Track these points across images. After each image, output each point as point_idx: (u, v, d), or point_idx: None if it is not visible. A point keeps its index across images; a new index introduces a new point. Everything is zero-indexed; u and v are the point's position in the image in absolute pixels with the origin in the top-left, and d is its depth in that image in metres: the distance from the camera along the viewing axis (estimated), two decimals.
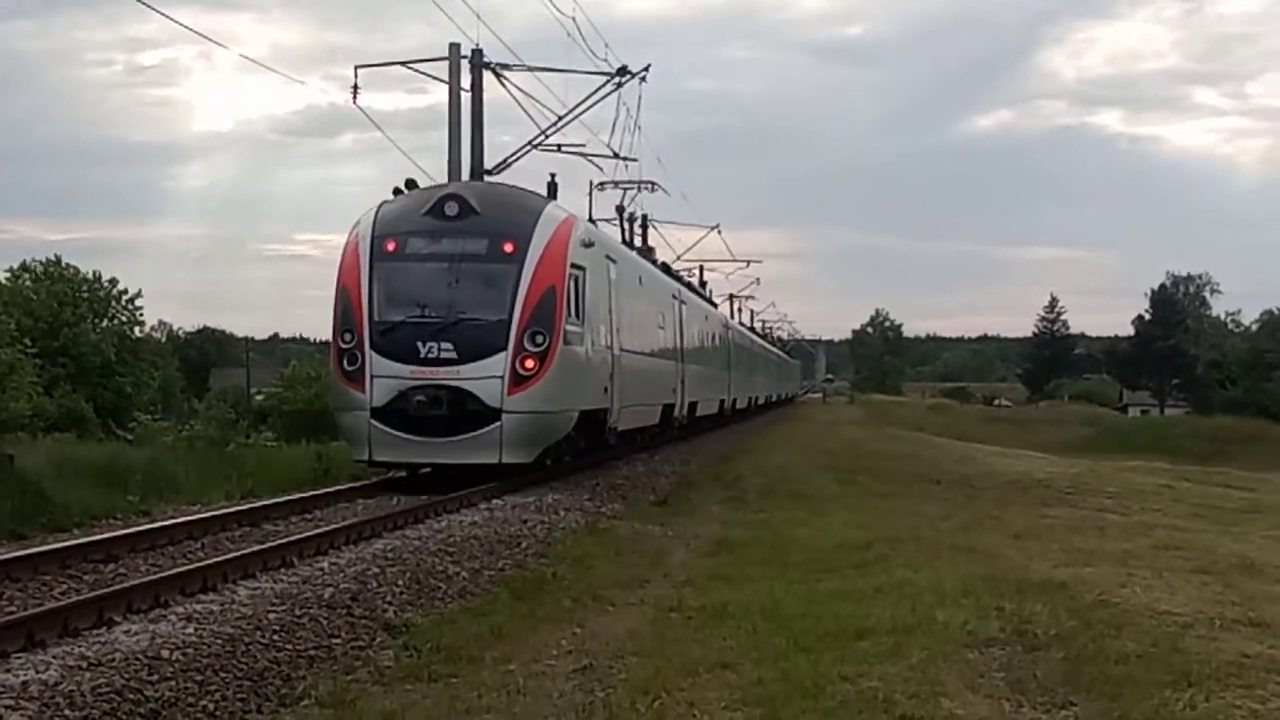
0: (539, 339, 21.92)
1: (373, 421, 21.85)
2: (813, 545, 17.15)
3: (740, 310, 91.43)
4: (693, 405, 40.67)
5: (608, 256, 26.56)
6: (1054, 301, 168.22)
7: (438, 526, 17.69)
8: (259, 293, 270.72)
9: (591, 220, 35.42)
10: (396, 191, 24.08)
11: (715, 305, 61.82)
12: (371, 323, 22.05)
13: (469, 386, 21.65)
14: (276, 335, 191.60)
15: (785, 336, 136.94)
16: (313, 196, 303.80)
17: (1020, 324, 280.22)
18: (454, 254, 22.35)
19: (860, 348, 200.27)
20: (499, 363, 21.69)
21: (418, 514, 18.50)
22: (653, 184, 43.99)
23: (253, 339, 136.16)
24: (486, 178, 31.71)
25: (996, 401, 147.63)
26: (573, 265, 22.97)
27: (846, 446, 45.14)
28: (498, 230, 22.51)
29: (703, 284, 62.04)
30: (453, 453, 21.89)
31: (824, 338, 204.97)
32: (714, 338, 49.29)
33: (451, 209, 22.68)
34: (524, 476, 22.90)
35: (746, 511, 22.39)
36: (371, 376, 21.86)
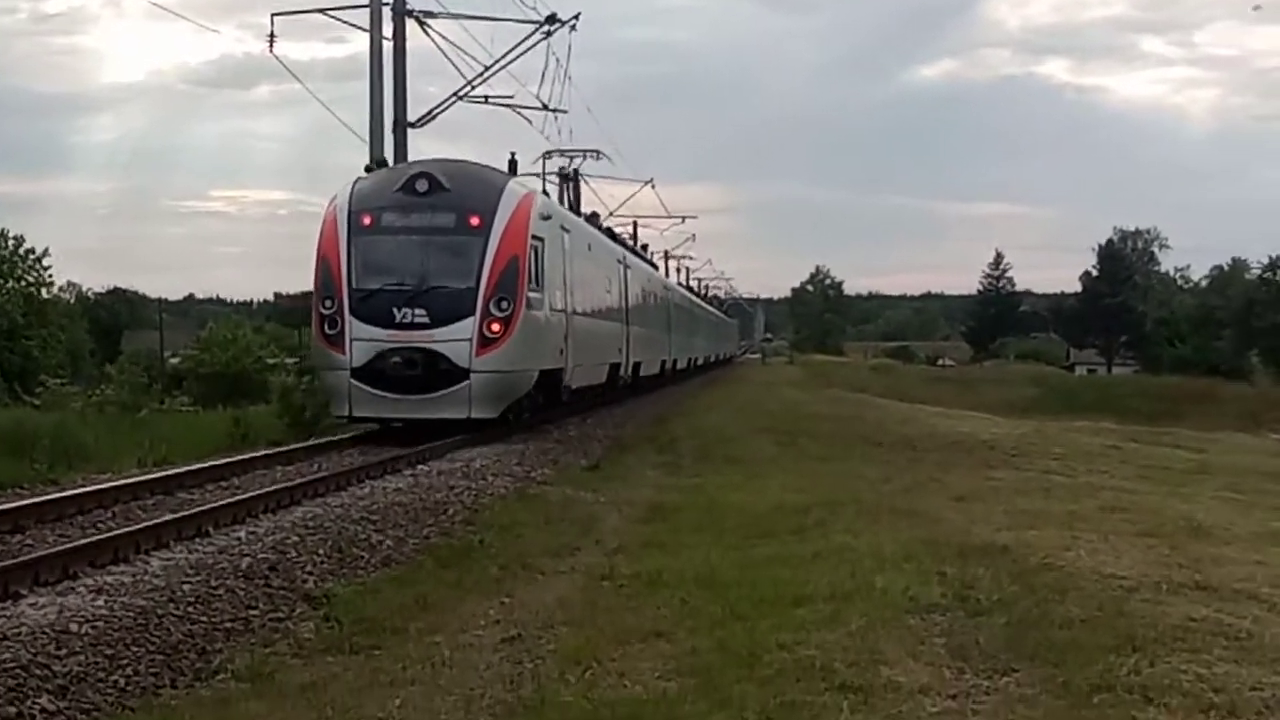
0: (504, 305, 24.54)
1: (353, 381, 24.44)
2: (749, 510, 17.13)
3: (677, 269, 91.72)
4: (637, 365, 42.68)
5: (562, 227, 29.34)
6: (999, 258, 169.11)
7: (361, 493, 17.64)
8: (172, 251, 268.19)
9: (545, 192, 35.62)
10: (368, 169, 28.07)
11: (656, 267, 63.83)
12: (351, 290, 24.59)
13: (440, 348, 24.27)
14: (191, 296, 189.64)
15: (723, 295, 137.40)
16: (228, 150, 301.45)
17: (965, 281, 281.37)
18: (425, 227, 25.00)
19: (800, 306, 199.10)
20: (468, 326, 24.30)
21: (340, 480, 18.46)
22: (598, 152, 45.63)
23: (166, 300, 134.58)
24: (410, 130, 31.81)
25: (940, 361, 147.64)
26: (533, 237, 25.58)
27: (785, 408, 45.26)
28: (465, 205, 25.07)
29: (644, 248, 63.01)
30: (425, 409, 24.45)
31: (762, 296, 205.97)
32: (655, 300, 51.23)
33: (422, 186, 25.24)
34: (451, 440, 23.73)
35: (681, 476, 22.47)
36: (351, 339, 24.47)
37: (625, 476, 22.21)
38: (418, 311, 24.27)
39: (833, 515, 16.21)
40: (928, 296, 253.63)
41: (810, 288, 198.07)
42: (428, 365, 24.16)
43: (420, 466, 20.97)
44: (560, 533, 15.72)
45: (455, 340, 24.21)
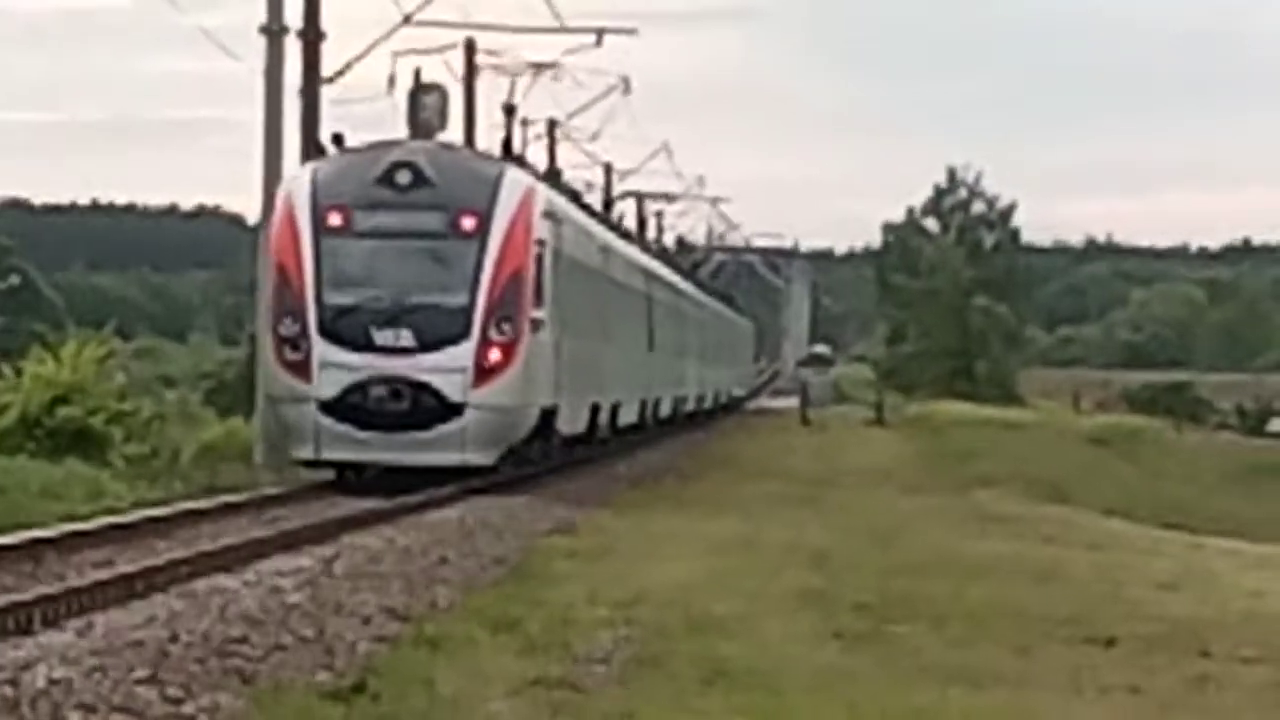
0: (505, 327, 23.08)
1: (320, 416, 22.82)
2: None
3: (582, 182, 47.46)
4: (615, 408, 32.69)
5: (554, 218, 26.47)
6: None
7: None
8: None
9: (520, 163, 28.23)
10: (320, 150, 25.66)
11: (632, 239, 45.33)
12: (319, 306, 23.05)
13: (430, 379, 22.78)
14: None
15: (711, 240, 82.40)
16: None
17: None
18: (409, 230, 23.55)
19: (906, 274, 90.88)
20: (463, 352, 22.84)
21: None
22: None
23: None
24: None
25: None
26: (537, 241, 23.94)
27: (862, 537, 20.82)
28: (456, 203, 23.47)
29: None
30: (411, 451, 22.92)
31: (807, 247, 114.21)
32: (635, 295, 37.91)
33: (404, 177, 23.42)
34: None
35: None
36: (320, 365, 22.86)
37: None
38: (401, 333, 22.97)
39: None
40: (1242, 250, 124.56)
41: (937, 222, 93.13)
42: (414, 398, 22.76)
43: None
44: None
45: (448, 369, 22.83)
